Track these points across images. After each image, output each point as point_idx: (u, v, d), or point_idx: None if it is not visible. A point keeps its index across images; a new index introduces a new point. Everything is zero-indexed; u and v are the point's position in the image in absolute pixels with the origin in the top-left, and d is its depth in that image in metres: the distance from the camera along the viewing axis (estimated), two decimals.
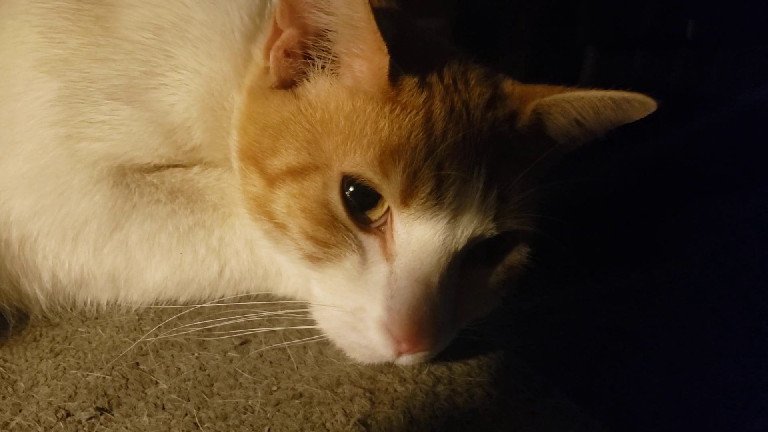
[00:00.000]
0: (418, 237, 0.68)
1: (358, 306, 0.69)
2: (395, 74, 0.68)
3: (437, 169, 0.66)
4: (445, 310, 0.68)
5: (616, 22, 1.47)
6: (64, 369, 0.71)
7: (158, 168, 0.78)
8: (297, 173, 0.69)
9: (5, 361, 0.72)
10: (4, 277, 0.76)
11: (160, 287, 0.79)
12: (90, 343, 0.75)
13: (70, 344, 0.75)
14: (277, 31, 0.71)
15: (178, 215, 0.77)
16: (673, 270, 0.99)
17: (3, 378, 0.69)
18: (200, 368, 0.72)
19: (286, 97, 0.72)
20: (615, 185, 0.98)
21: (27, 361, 0.72)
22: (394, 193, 0.67)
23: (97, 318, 0.79)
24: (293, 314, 0.76)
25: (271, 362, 0.73)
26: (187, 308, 0.79)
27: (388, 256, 0.69)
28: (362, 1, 0.64)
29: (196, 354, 0.74)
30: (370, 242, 0.69)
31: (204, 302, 0.80)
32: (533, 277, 0.79)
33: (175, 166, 0.79)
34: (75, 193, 0.73)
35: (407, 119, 0.67)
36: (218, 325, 0.77)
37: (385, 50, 0.66)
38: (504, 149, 0.71)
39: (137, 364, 0.72)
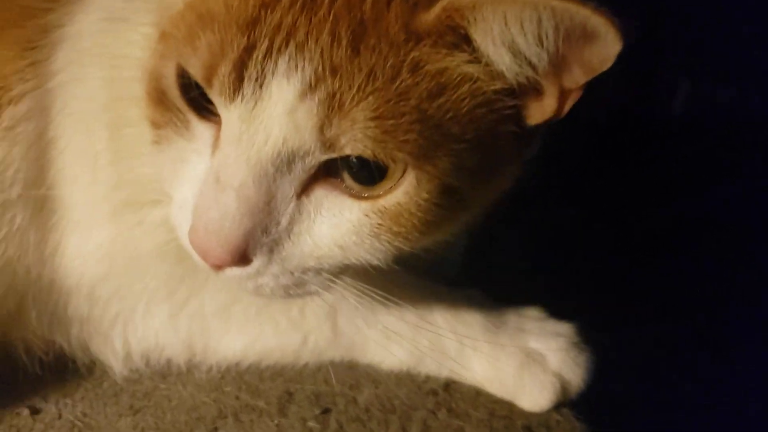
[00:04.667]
0: (224, 130, 0.57)
1: (184, 198, 0.61)
2: None
3: (247, 46, 0.54)
4: (244, 223, 0.56)
5: (710, 51, 1.41)
6: (143, 429, 0.70)
7: None
8: (160, 38, 0.62)
9: (84, 415, 0.71)
10: (75, 344, 0.75)
11: (240, 355, 0.77)
12: (170, 401, 0.74)
13: (150, 401, 0.74)
14: None
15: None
16: None
17: None
18: None
19: None
20: None
21: (106, 417, 0.71)
22: (198, 68, 0.56)
23: (178, 374, 0.77)
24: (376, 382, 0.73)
25: None
26: (268, 369, 0.77)
27: (216, 147, 0.59)
28: None
29: (276, 421, 0.71)
30: (205, 131, 0.60)
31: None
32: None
33: None
34: (144, 260, 0.72)
35: None
36: (299, 388, 0.75)
37: None
38: (375, 44, 0.54)
39: (216, 428, 0.70)
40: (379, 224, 0.59)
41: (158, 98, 0.61)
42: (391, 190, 0.58)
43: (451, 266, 0.88)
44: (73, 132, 0.72)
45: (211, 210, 0.56)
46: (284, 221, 0.58)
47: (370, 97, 0.53)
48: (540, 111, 0.61)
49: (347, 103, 0.53)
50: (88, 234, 0.73)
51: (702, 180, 1.33)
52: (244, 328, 0.76)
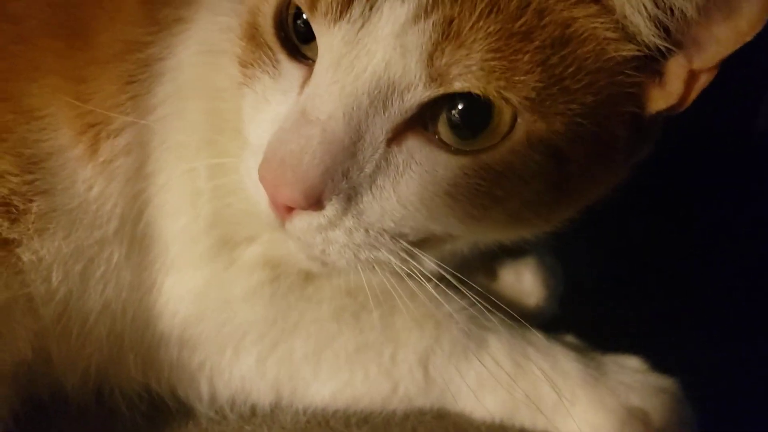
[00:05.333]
0: (322, 55, 0.53)
1: (260, 143, 0.56)
2: None
3: None
4: (325, 160, 0.51)
5: None
6: None
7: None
8: None
9: None
10: (165, 386, 0.74)
11: (328, 401, 0.74)
12: None
13: None
14: None
15: (344, 335, 0.72)
16: None
17: None
18: None
19: None
20: None
21: None
22: None
23: (263, 416, 0.75)
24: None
25: None
26: (355, 415, 0.75)
27: (304, 87, 0.55)
28: None
29: None
30: (294, 71, 0.57)
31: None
32: None
33: None
34: (236, 302, 0.71)
35: None
36: None
37: None
38: None
39: None
40: (478, 184, 0.53)
41: (251, 34, 0.59)
42: (496, 145, 0.53)
43: (549, 308, 0.85)
44: (174, 167, 0.70)
45: (290, 142, 0.52)
46: (368, 168, 0.53)
47: (491, 28, 0.49)
48: (664, 96, 0.57)
49: (465, 31, 0.49)
50: (183, 274, 0.72)
51: None
52: (333, 375, 0.73)
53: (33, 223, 0.68)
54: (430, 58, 0.50)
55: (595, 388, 0.74)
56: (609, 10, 0.53)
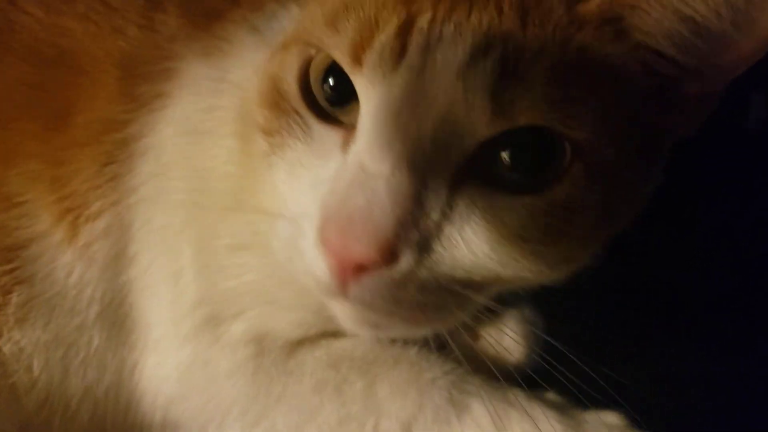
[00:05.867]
0: (375, 107, 0.52)
1: (301, 211, 0.55)
2: None
3: (409, 16, 0.51)
4: (396, 212, 0.50)
5: None
6: None
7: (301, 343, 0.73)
8: (280, 48, 0.61)
9: None
10: None
11: None
12: None
13: None
14: None
15: (326, 408, 0.72)
16: None
17: None
18: None
19: None
20: None
21: None
22: (344, 48, 0.53)
23: None
24: None
25: None
26: None
27: (347, 146, 0.54)
28: None
29: None
30: (328, 134, 0.56)
31: None
32: None
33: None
34: (220, 379, 0.71)
35: None
36: None
37: None
38: (541, 22, 0.52)
39: None
40: (548, 224, 0.53)
41: (274, 103, 0.58)
42: (559, 179, 0.53)
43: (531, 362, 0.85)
44: (157, 248, 0.70)
45: (354, 197, 0.50)
46: (435, 216, 0.52)
47: (546, 62, 0.50)
48: (685, 123, 0.60)
49: (522, 66, 0.50)
50: (166, 354, 0.71)
51: None
52: None
53: (13, 313, 0.68)
54: (493, 95, 0.50)
55: None
56: (639, 44, 0.55)
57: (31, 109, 0.72)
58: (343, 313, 0.58)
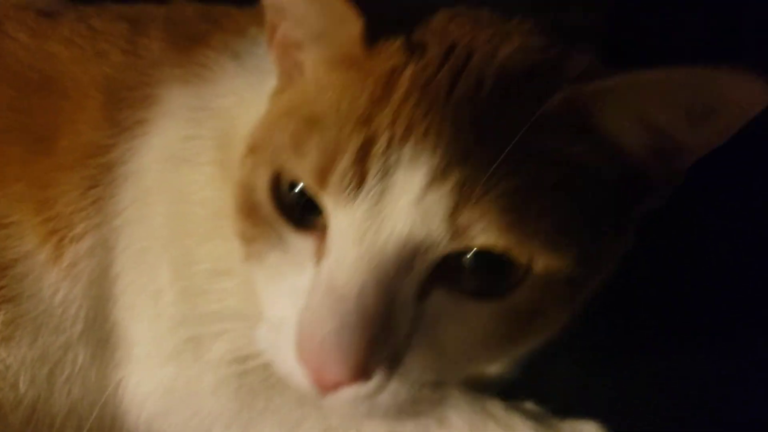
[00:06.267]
0: (338, 231, 0.54)
1: (281, 316, 0.57)
2: (372, 37, 0.56)
3: (366, 140, 0.52)
4: (365, 335, 0.52)
5: None
6: None
7: None
8: (248, 151, 0.61)
9: None
10: None
11: None
12: None
13: None
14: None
15: (309, 420, 0.73)
16: None
17: None
18: None
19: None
20: None
21: None
22: (308, 173, 0.54)
23: None
24: None
25: None
26: None
27: (320, 256, 0.55)
28: None
29: None
30: (303, 243, 0.57)
31: None
32: None
33: None
34: (203, 396, 0.72)
35: (354, 84, 0.55)
36: None
37: (356, 16, 0.56)
38: (499, 133, 0.53)
39: None
40: (509, 326, 0.56)
41: (249, 211, 0.59)
42: (518, 285, 0.54)
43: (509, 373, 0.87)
44: (138, 269, 0.72)
45: (325, 322, 0.52)
46: (404, 329, 0.54)
47: (502, 183, 0.51)
48: (650, 200, 0.61)
49: (476, 190, 0.51)
50: (149, 372, 0.73)
51: None
52: None
53: None
54: (451, 218, 0.51)
55: None
56: (603, 142, 0.56)
57: (16, 133, 0.73)
58: (327, 405, 0.60)
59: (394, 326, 0.53)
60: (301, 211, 0.56)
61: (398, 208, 0.52)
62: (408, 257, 0.53)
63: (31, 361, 0.71)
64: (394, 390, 0.55)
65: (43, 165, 0.72)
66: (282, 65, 0.64)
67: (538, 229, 0.53)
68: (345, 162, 0.52)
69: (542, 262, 0.54)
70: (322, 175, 0.53)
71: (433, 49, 0.56)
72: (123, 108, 0.74)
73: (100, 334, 0.72)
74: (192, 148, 0.71)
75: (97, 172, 0.72)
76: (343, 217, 0.53)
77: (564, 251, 0.55)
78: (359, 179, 0.52)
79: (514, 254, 0.53)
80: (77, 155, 0.72)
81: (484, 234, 0.52)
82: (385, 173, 0.52)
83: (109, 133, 0.73)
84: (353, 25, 0.55)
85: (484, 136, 0.53)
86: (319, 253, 0.55)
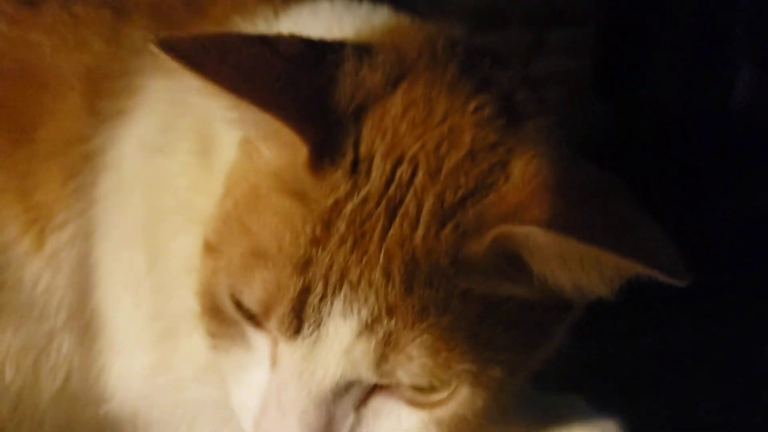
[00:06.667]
0: (283, 358, 0.58)
1: (242, 404, 0.63)
2: (318, 163, 0.56)
3: (303, 289, 0.55)
4: None
5: None
6: None
7: None
8: (206, 248, 0.63)
9: None
10: None
11: None
12: None
13: None
14: None
15: None
16: None
17: None
18: None
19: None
20: None
21: None
22: (255, 303, 0.57)
23: None
24: None
25: None
26: None
27: (273, 360, 0.60)
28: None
29: None
30: (261, 340, 0.61)
31: None
32: None
33: None
34: (185, 383, 0.73)
35: (297, 217, 0.56)
36: None
37: (302, 143, 0.55)
38: (427, 279, 0.55)
39: None
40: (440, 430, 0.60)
41: (214, 313, 0.62)
42: (447, 400, 0.59)
43: None
44: (115, 258, 0.73)
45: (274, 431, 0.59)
46: None
47: (425, 334, 0.55)
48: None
49: (402, 340, 0.55)
50: (131, 359, 0.74)
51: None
52: None
53: None
54: (377, 365, 0.55)
55: (536, 429, 0.77)
56: (530, 278, 0.57)
57: None
58: None
59: None
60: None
61: (330, 355, 0.56)
62: (343, 389, 0.58)
63: (15, 349, 0.72)
64: None
65: (23, 155, 0.72)
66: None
67: (463, 366, 0.56)
68: (283, 308, 0.55)
69: (467, 386, 0.58)
70: (266, 312, 0.57)
71: (379, 168, 0.56)
72: (104, 97, 0.74)
73: (82, 322, 0.73)
74: (167, 139, 0.72)
75: (78, 161, 0.72)
76: (286, 351, 0.58)
77: (490, 372, 0.58)
78: (297, 326, 0.56)
79: (440, 385, 0.58)
80: (57, 145, 0.72)
81: (409, 376, 0.56)
82: (319, 324, 0.56)
83: (90, 122, 0.73)
84: (299, 152, 0.56)
85: (411, 285, 0.55)
86: (274, 356, 0.60)
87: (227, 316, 0.61)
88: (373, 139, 0.57)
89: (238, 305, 0.59)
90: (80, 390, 0.74)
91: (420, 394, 0.59)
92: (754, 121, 1.35)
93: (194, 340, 0.72)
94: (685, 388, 0.92)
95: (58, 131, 0.73)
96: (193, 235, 0.69)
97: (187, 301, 0.69)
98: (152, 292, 0.72)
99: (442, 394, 0.59)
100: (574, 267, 0.55)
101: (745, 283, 1.03)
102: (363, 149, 0.57)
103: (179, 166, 0.71)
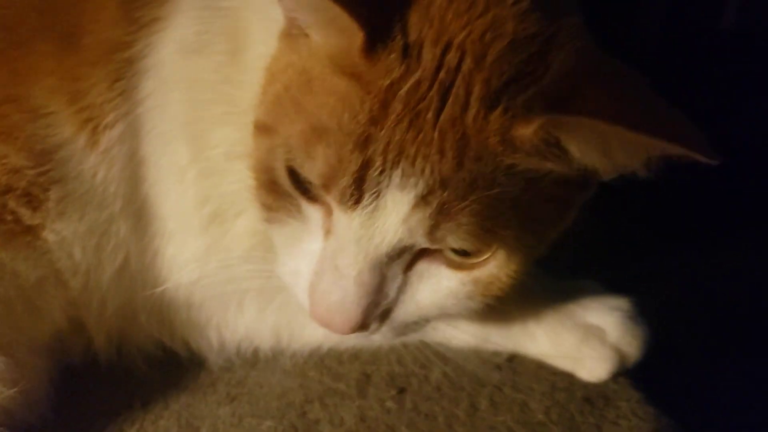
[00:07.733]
0: (340, 227, 0.64)
1: (296, 270, 0.69)
2: (372, 47, 0.60)
3: (363, 163, 0.60)
4: (362, 304, 0.65)
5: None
6: (240, 417, 0.78)
7: None
8: (258, 129, 0.68)
9: (189, 405, 0.80)
10: (177, 340, 0.85)
11: (321, 340, 0.85)
12: (261, 387, 0.82)
13: (243, 389, 0.82)
14: None
15: None
16: None
17: (189, 424, 0.77)
18: (361, 419, 0.77)
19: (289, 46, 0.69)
20: None
21: (207, 406, 0.80)
22: (316, 176, 0.62)
23: (266, 361, 0.86)
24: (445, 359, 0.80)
25: (426, 415, 0.77)
26: (346, 352, 0.85)
27: (326, 231, 0.66)
28: None
29: (357, 403, 0.79)
30: (315, 213, 0.67)
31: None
32: None
33: None
34: (234, 264, 0.80)
35: (354, 97, 0.60)
36: (375, 370, 0.83)
37: (358, 29, 0.59)
38: (476, 155, 0.60)
39: (304, 413, 0.78)
40: (472, 290, 0.68)
41: (270, 186, 0.68)
42: (484, 263, 0.67)
43: None
44: (161, 151, 0.80)
45: (332, 294, 0.65)
46: (393, 293, 0.67)
47: (474, 204, 0.60)
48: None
49: (453, 209, 0.60)
50: (181, 244, 0.81)
51: (754, 100, 1.32)
52: None
53: (53, 208, 0.78)
54: (431, 232, 0.62)
55: (555, 311, 0.84)
56: (569, 159, 0.62)
57: (44, 32, 0.78)
58: None
59: (385, 293, 0.67)
60: (313, 186, 0.65)
61: (388, 224, 0.62)
62: (396, 253, 0.64)
63: (81, 233, 0.79)
64: (384, 332, 0.70)
65: (72, 61, 0.78)
66: (285, 14, 0.68)
67: (505, 233, 0.64)
68: (345, 181, 0.60)
69: (504, 250, 0.66)
70: (327, 184, 0.62)
71: (428, 53, 0.60)
72: (140, 6, 0.79)
73: (136, 209, 0.81)
74: (204, 41, 0.77)
75: (121, 66, 0.78)
76: (344, 220, 0.63)
77: (525, 238, 0.66)
78: (357, 197, 0.61)
79: (481, 251, 0.65)
80: (102, 51, 0.78)
81: (457, 241, 0.63)
82: (378, 195, 0.61)
83: (129, 30, 0.78)
84: (355, 37, 0.59)
85: (462, 160, 0.60)
86: (327, 227, 0.66)
87: (283, 190, 0.67)
88: (421, 26, 0.60)
89: (295, 179, 0.65)
90: (138, 272, 0.82)
91: (461, 258, 0.66)
92: (745, 44, 1.38)
93: (241, 221, 0.80)
94: None
95: (101, 39, 0.78)
96: (232, 124, 0.76)
97: (232, 185, 0.77)
98: (198, 179, 0.79)
99: (480, 258, 0.66)
100: (615, 151, 0.61)
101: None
102: (412, 36, 0.60)
103: (214, 64, 0.77)
